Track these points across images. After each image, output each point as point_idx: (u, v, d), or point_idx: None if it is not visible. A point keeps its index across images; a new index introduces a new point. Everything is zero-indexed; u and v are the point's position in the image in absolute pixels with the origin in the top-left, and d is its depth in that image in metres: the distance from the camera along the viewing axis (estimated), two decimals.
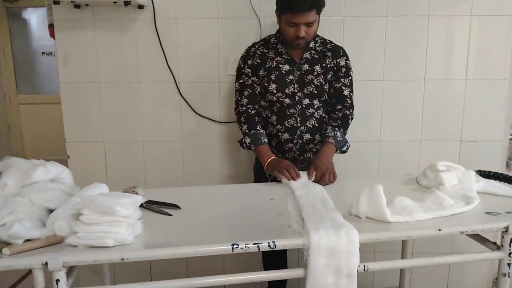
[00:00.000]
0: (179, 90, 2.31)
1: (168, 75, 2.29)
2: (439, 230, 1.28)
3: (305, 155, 1.97)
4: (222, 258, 2.47)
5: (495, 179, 1.77)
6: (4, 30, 4.98)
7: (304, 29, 1.77)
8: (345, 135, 1.93)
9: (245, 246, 1.17)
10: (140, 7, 2.20)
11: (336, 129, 1.90)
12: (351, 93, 1.98)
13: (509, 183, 1.73)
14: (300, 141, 1.93)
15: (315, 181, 1.75)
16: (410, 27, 2.25)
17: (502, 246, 1.35)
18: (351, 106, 1.98)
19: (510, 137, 2.42)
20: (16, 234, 1.13)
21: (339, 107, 1.96)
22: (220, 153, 2.40)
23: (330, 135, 1.88)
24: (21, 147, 5.22)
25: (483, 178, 1.73)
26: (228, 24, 2.25)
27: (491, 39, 2.26)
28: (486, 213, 1.43)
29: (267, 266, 2.19)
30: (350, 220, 1.33)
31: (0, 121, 4.99)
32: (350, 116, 1.97)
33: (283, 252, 2.17)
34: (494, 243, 1.40)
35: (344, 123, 1.94)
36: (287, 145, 1.94)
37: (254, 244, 1.18)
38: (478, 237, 1.46)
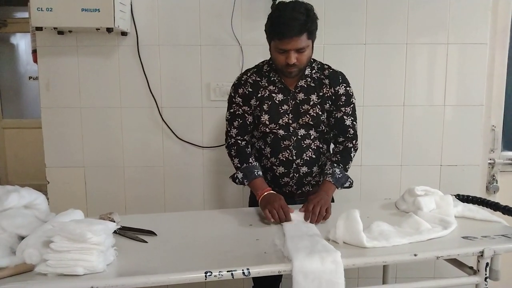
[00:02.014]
0: (161, 115, 2.31)
1: (151, 101, 2.30)
2: (415, 255, 1.28)
3: (303, 188, 1.83)
4: (204, 284, 2.43)
5: (473, 203, 1.78)
6: None
7: (294, 56, 1.61)
8: (346, 170, 1.79)
9: (219, 274, 1.16)
10: (124, 33, 2.23)
11: (335, 165, 1.77)
12: (353, 122, 1.81)
13: (487, 207, 1.74)
14: (297, 175, 1.80)
15: (306, 212, 1.60)
16: (389, 55, 2.31)
17: (478, 270, 1.35)
18: (354, 137, 1.83)
19: (489, 161, 2.46)
20: None
21: (341, 139, 1.82)
22: (203, 178, 2.39)
23: (328, 172, 1.75)
24: (5, 172, 5.14)
25: (461, 203, 1.74)
26: (211, 50, 2.29)
27: (468, 66, 2.33)
28: (463, 237, 1.43)
29: None
30: None
31: None
32: (353, 149, 1.82)
33: (275, 285, 1.98)
34: (471, 268, 1.41)
35: (345, 158, 1.80)
36: (283, 179, 1.81)
37: (228, 271, 1.16)
38: (455, 262, 1.46)
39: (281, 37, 1.59)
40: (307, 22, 1.59)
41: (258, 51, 2.25)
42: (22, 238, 1.26)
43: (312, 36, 1.65)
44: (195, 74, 2.30)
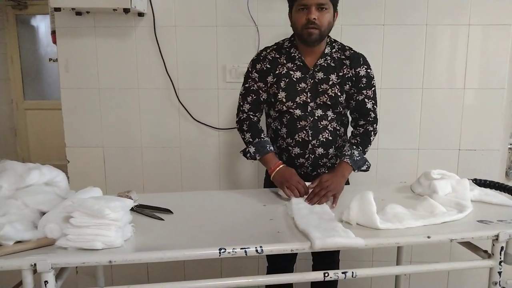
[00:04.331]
0: (177, 96, 2.33)
1: (167, 82, 2.32)
2: (428, 237, 1.28)
3: (318, 170, 1.83)
4: (220, 262, 2.47)
5: (490, 188, 1.76)
6: (12, 37, 5.07)
7: (315, 13, 1.63)
8: (364, 153, 1.79)
9: (232, 251, 1.18)
10: (140, 14, 2.24)
11: (354, 147, 1.77)
12: (374, 106, 1.81)
13: (504, 192, 1.72)
14: (313, 156, 1.79)
15: (311, 193, 1.62)
16: (408, 36, 2.26)
17: (493, 254, 1.34)
18: (375, 121, 1.82)
19: (509, 146, 2.41)
20: (7, 235, 1.15)
21: (362, 122, 1.82)
22: (218, 159, 2.41)
23: (346, 153, 1.74)
24: (27, 152, 5.28)
25: (478, 187, 1.72)
26: (227, 32, 2.28)
27: (489, 48, 2.26)
28: (478, 221, 1.42)
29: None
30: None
31: (6, 127, 5.08)
32: (373, 132, 1.82)
33: (290, 267, 1.97)
34: (486, 252, 1.40)
35: (365, 141, 1.80)
36: (299, 160, 1.81)
37: (241, 249, 1.19)
38: (469, 245, 1.46)
39: None
40: None
41: (275, 32, 2.24)
42: (43, 213, 1.30)
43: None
44: (211, 56, 2.30)
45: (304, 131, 1.78)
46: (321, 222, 1.36)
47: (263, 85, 1.79)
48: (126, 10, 2.06)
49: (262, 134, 1.80)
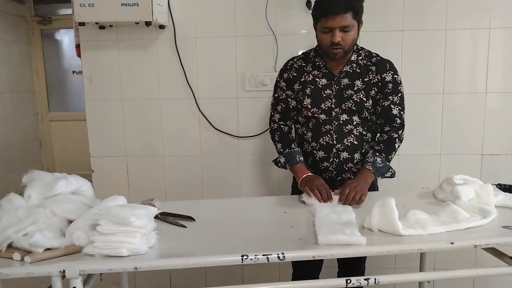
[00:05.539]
0: (198, 106, 2.37)
1: (188, 92, 2.36)
2: (452, 243, 1.27)
3: (343, 175, 1.83)
4: (241, 269, 2.48)
5: None
6: (38, 51, 5.23)
7: (339, 35, 1.64)
8: (388, 160, 1.78)
9: (255, 257, 1.19)
10: (161, 27, 2.29)
11: (377, 154, 1.77)
12: (401, 112, 1.79)
13: None
14: (337, 160, 1.80)
15: (342, 195, 1.64)
16: (427, 41, 2.25)
17: None
18: (401, 127, 1.81)
19: None
20: (37, 243, 1.19)
21: (387, 128, 1.81)
22: (238, 167, 2.43)
23: (369, 160, 1.76)
24: (52, 162, 5.41)
25: (502, 192, 1.69)
26: (246, 41, 2.31)
27: (510, 51, 2.23)
28: (503, 227, 1.40)
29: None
30: (363, 233, 1.33)
31: (32, 138, 5.22)
32: (397, 139, 1.80)
33: (315, 274, 1.97)
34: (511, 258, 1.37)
35: (389, 148, 1.79)
36: (323, 164, 1.82)
37: (263, 255, 1.20)
38: (495, 252, 1.43)
39: (325, 14, 1.63)
40: (352, 0, 1.62)
41: (293, 41, 2.27)
42: (70, 222, 1.34)
43: (357, 16, 1.67)
44: (230, 65, 2.34)
45: (328, 135, 1.79)
46: (337, 223, 1.39)
47: (291, 93, 1.84)
48: (148, 23, 2.11)
49: (293, 144, 1.85)
